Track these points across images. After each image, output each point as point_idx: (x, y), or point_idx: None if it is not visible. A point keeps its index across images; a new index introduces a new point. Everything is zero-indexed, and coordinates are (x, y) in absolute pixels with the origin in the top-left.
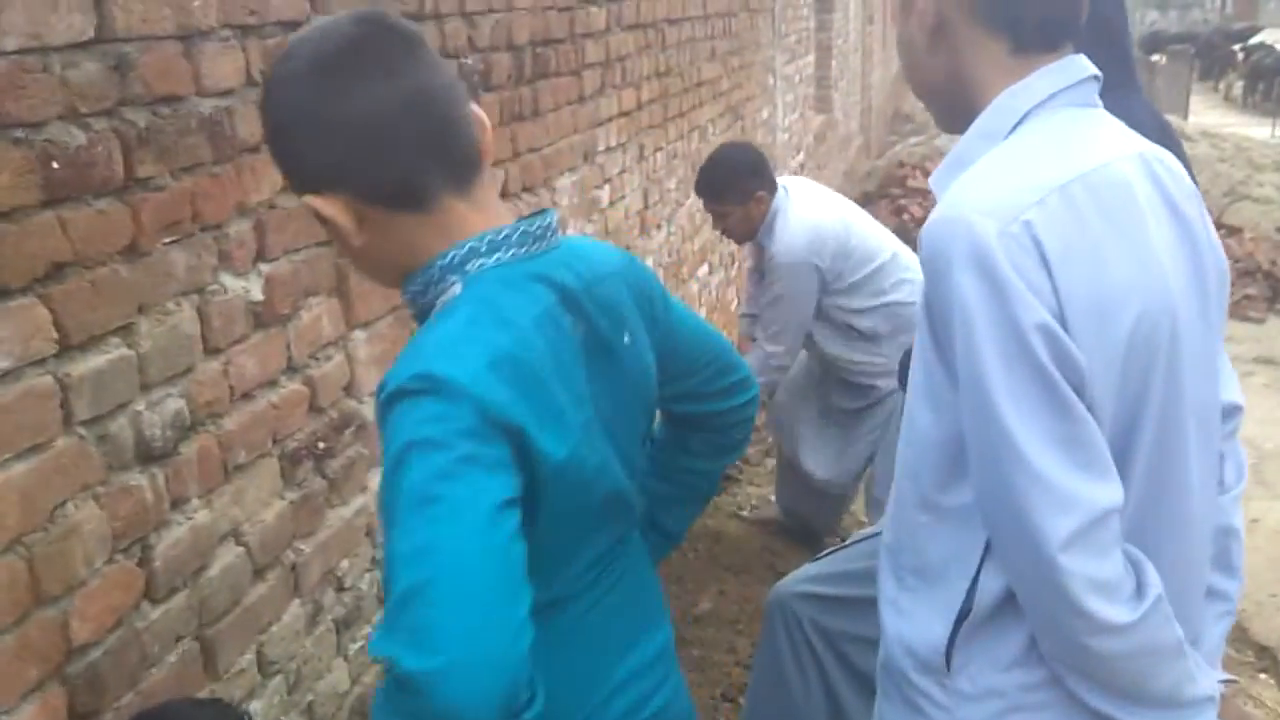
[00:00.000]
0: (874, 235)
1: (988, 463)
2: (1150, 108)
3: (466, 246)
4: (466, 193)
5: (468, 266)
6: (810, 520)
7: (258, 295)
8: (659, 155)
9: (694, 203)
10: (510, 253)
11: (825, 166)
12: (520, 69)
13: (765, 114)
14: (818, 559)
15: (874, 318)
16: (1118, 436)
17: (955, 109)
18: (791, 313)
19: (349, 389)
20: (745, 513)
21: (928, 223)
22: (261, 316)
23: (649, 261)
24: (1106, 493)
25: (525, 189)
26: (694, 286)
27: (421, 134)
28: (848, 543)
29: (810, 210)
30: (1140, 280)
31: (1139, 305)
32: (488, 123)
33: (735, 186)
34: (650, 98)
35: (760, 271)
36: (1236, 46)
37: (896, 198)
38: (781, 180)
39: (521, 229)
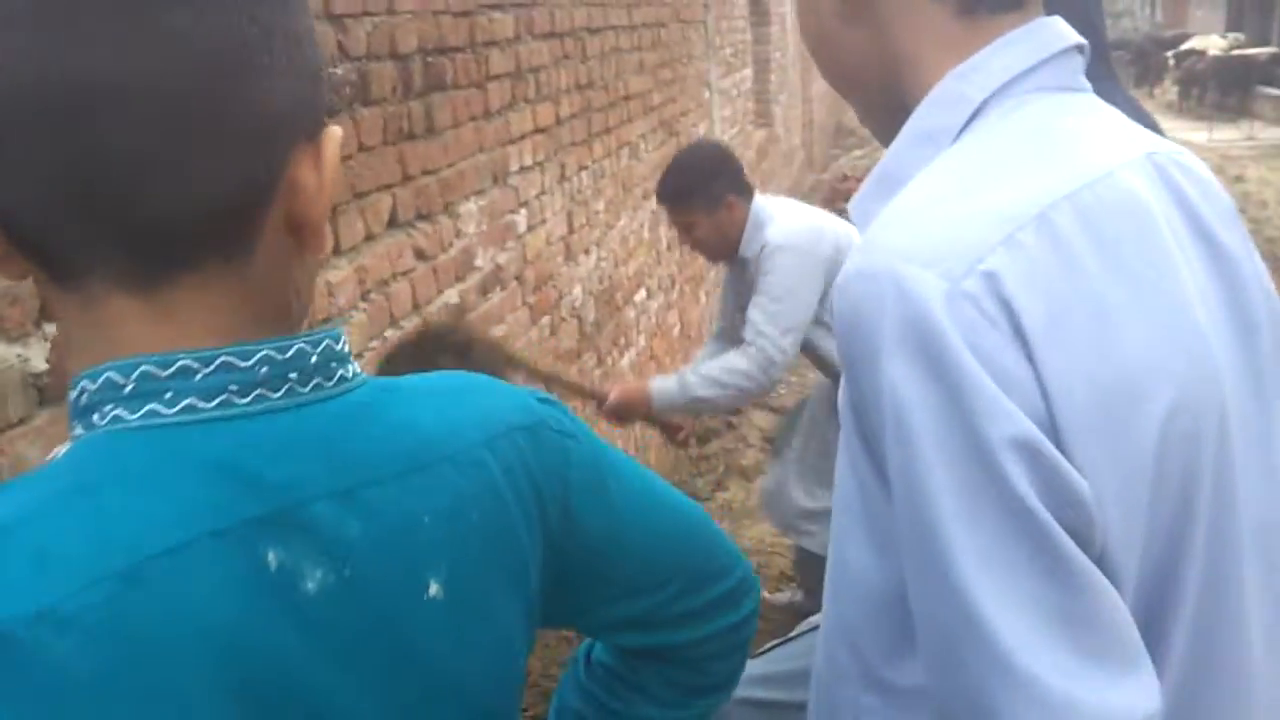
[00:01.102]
0: None
1: (943, 650)
2: (1134, 103)
3: (103, 376)
4: (153, 287)
5: (96, 415)
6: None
7: (40, 365)
8: (584, 174)
9: (626, 225)
10: (178, 407)
11: (769, 182)
12: (408, 81)
13: (701, 129)
14: (759, 655)
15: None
16: (1146, 595)
17: (883, 102)
18: (796, 306)
19: None
20: (765, 594)
21: (842, 278)
22: (47, 391)
23: (576, 290)
24: (1133, 696)
25: (421, 216)
26: (631, 313)
27: (62, 166)
28: (791, 636)
29: (803, 214)
30: (1169, 351)
31: (1171, 391)
32: (329, 161)
33: (700, 190)
34: (571, 113)
35: (737, 290)
36: (1168, 53)
37: (841, 212)
38: (760, 197)
39: (222, 359)
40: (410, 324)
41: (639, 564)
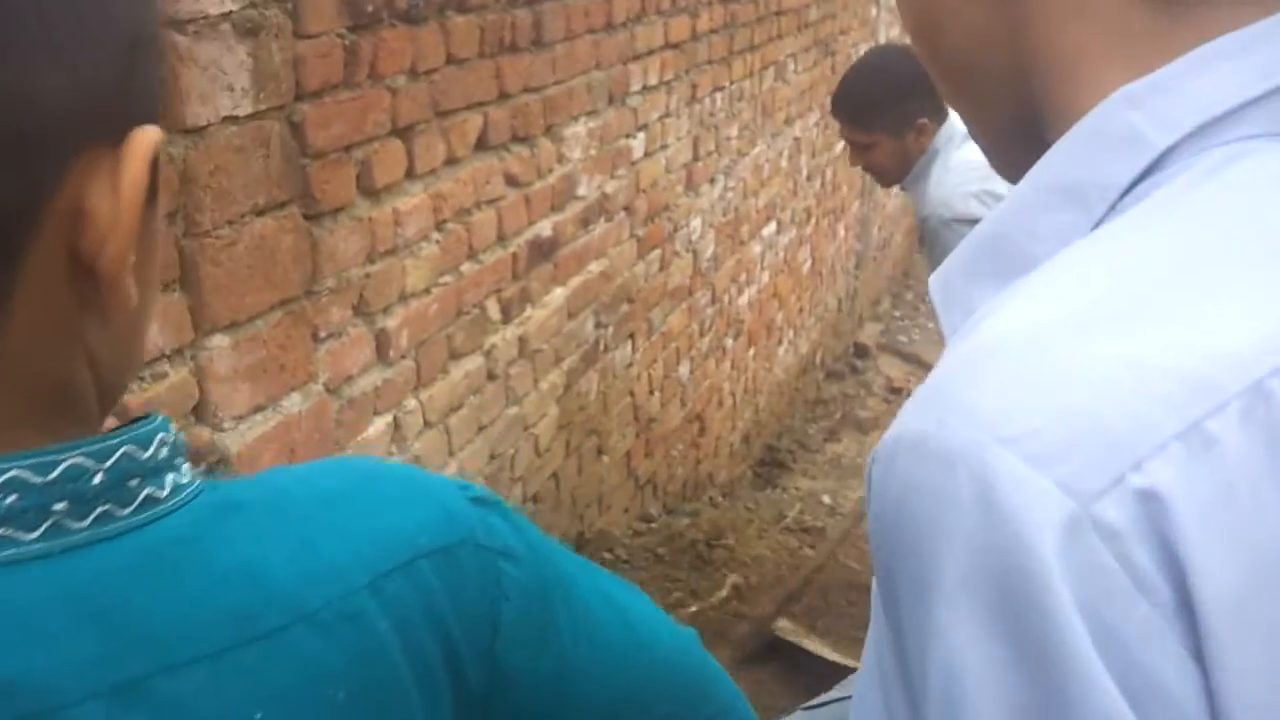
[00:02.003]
0: None
1: None
2: None
3: None
4: None
5: None
6: None
7: None
8: (718, 96)
9: (762, 152)
10: None
11: None
12: None
13: (862, 50)
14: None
15: None
16: None
17: (1011, 118)
18: None
19: None
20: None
21: (889, 443)
22: None
23: (695, 222)
24: None
25: (517, 138)
26: (756, 248)
27: None
28: (814, 704)
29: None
30: None
31: None
32: (132, 177)
33: (891, 108)
34: (711, 27)
35: (920, 228)
36: None
37: None
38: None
39: None
40: (492, 257)
41: (598, 717)
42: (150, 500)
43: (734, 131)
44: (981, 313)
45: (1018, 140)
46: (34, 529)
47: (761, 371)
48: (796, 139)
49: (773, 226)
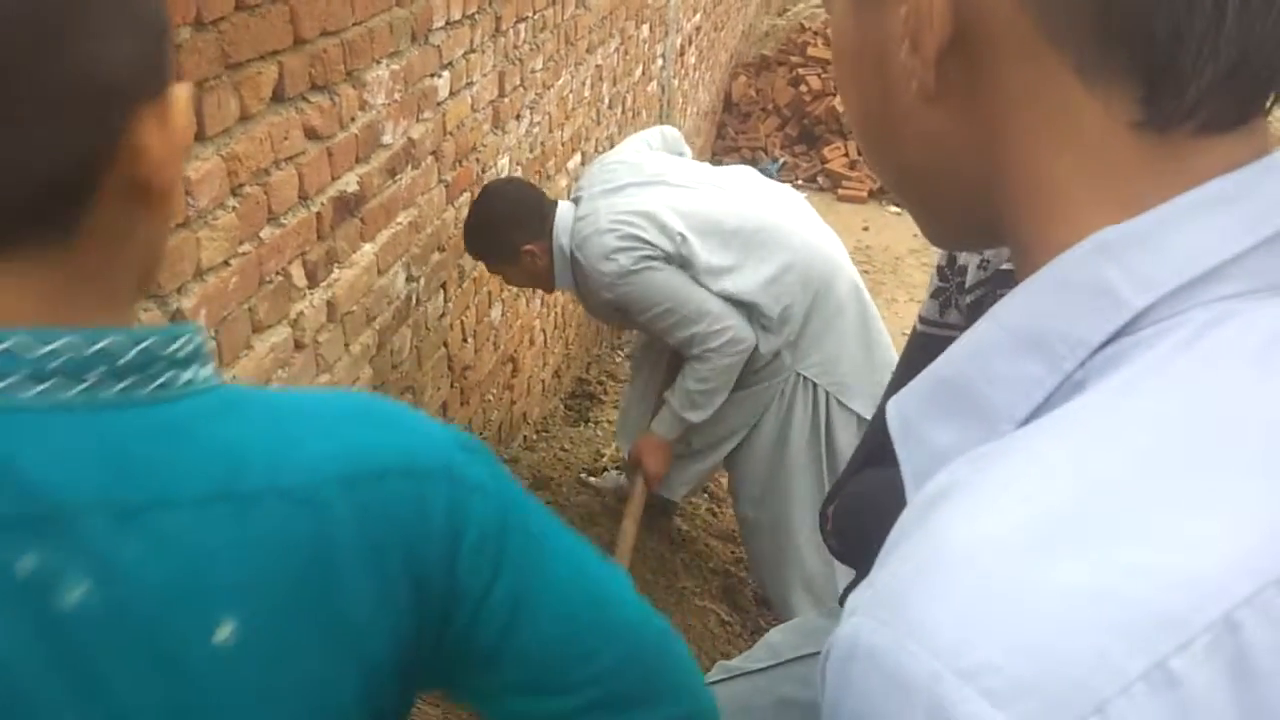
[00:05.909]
0: (730, 240)
1: None
2: None
3: None
4: None
5: None
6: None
7: None
8: (522, 27)
9: (566, 83)
10: None
11: (723, 28)
12: None
13: None
14: None
15: (745, 279)
16: None
17: (971, 226)
18: (685, 302)
19: None
20: (592, 478)
21: (844, 638)
22: None
23: (503, 162)
24: None
25: (316, 87)
26: (563, 181)
27: None
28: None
29: (611, 221)
30: None
31: None
32: (178, 121)
33: (496, 247)
34: None
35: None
36: None
37: (795, 66)
38: (578, 189)
39: (9, 343)
40: (294, 219)
41: (544, 656)
42: (169, 383)
43: (538, 64)
44: (940, 489)
45: (974, 235)
46: (76, 385)
47: (571, 305)
48: (598, 67)
49: (578, 159)
